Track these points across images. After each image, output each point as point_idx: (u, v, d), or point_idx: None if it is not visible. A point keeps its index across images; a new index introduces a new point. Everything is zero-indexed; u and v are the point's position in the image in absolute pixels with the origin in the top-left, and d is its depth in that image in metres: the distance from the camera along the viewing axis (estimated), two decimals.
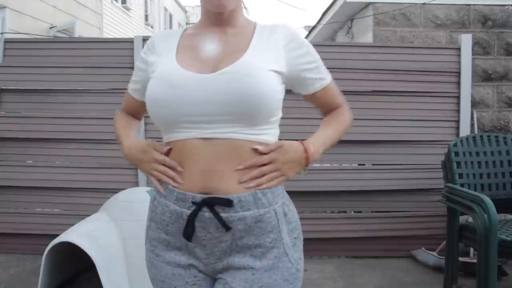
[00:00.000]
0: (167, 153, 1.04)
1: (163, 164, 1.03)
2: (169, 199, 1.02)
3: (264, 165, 1.00)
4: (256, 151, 1.00)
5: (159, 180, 1.05)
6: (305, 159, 1.04)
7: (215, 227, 0.98)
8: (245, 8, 1.24)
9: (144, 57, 1.13)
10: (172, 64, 1.02)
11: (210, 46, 1.05)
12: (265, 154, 1.00)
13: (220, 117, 0.96)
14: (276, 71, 1.02)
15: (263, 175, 1.00)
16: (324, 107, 1.20)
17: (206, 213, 0.98)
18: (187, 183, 1.00)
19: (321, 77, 1.14)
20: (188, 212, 0.99)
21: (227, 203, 0.97)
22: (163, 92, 0.98)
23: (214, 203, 0.97)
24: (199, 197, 0.98)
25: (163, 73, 1.02)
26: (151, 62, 1.10)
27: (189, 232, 0.99)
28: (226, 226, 0.97)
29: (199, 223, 0.99)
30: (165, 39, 1.13)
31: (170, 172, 1.02)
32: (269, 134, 1.03)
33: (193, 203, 0.98)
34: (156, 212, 1.06)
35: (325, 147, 1.12)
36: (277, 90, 1.01)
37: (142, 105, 1.15)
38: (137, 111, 1.26)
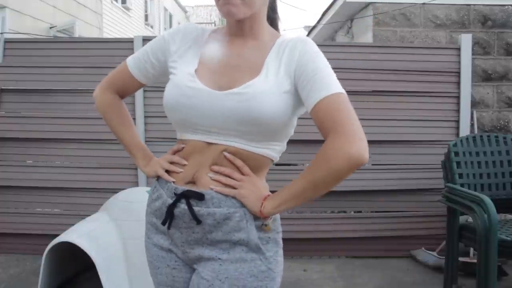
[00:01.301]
0: (180, 149, 1.11)
1: (171, 161, 1.12)
2: (163, 188, 1.11)
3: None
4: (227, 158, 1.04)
5: (167, 171, 1.13)
6: (259, 212, 1.02)
7: (189, 218, 1.05)
8: (279, 17, 1.17)
9: (165, 42, 1.14)
10: (191, 73, 1.06)
11: (225, 58, 1.07)
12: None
13: (223, 130, 1.03)
14: (288, 92, 1.01)
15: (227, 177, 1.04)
16: (319, 129, 0.97)
17: (182, 205, 1.05)
18: (180, 175, 1.09)
19: (316, 91, 0.96)
20: (171, 201, 1.07)
21: (199, 197, 1.03)
22: (177, 100, 1.05)
23: (190, 196, 1.04)
24: (180, 189, 1.06)
25: (181, 80, 1.06)
26: (170, 54, 1.13)
27: (165, 219, 1.08)
28: (196, 219, 1.03)
29: (177, 212, 1.06)
30: (192, 36, 1.13)
31: (167, 166, 1.12)
32: (270, 149, 1.06)
33: (175, 194, 1.06)
34: (152, 198, 1.15)
35: (289, 205, 1.01)
36: (283, 113, 1.00)
37: (140, 86, 1.23)
38: (130, 91, 1.26)
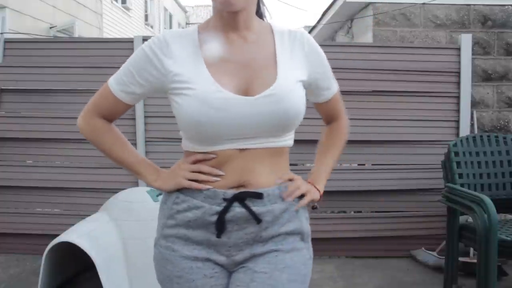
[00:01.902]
0: (209, 159, 1.05)
1: (199, 171, 1.05)
2: (197, 197, 1.05)
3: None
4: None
5: (195, 180, 1.05)
6: (320, 197, 1.18)
7: (244, 220, 1.04)
8: (269, 12, 1.17)
9: (154, 58, 1.03)
10: (210, 82, 1.00)
11: (231, 58, 1.04)
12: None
13: (257, 134, 1.03)
14: (302, 82, 1.08)
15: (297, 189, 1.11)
16: (327, 116, 1.25)
17: (236, 208, 1.03)
18: (218, 183, 1.05)
19: (329, 87, 1.17)
20: (219, 208, 1.03)
21: (258, 196, 1.03)
22: (207, 114, 0.99)
23: (245, 197, 1.03)
24: (229, 193, 1.03)
25: (205, 93, 0.99)
26: (167, 69, 1.03)
27: (220, 228, 1.03)
28: (257, 219, 1.03)
29: (229, 217, 1.04)
30: (182, 43, 1.05)
31: (191, 175, 1.05)
32: (291, 139, 1.11)
33: (224, 199, 1.03)
34: (177, 210, 1.07)
35: (326, 180, 1.22)
36: (304, 103, 1.08)
37: (128, 108, 1.13)
38: (118, 114, 1.14)
